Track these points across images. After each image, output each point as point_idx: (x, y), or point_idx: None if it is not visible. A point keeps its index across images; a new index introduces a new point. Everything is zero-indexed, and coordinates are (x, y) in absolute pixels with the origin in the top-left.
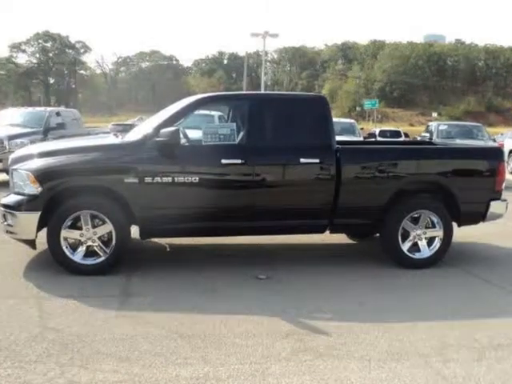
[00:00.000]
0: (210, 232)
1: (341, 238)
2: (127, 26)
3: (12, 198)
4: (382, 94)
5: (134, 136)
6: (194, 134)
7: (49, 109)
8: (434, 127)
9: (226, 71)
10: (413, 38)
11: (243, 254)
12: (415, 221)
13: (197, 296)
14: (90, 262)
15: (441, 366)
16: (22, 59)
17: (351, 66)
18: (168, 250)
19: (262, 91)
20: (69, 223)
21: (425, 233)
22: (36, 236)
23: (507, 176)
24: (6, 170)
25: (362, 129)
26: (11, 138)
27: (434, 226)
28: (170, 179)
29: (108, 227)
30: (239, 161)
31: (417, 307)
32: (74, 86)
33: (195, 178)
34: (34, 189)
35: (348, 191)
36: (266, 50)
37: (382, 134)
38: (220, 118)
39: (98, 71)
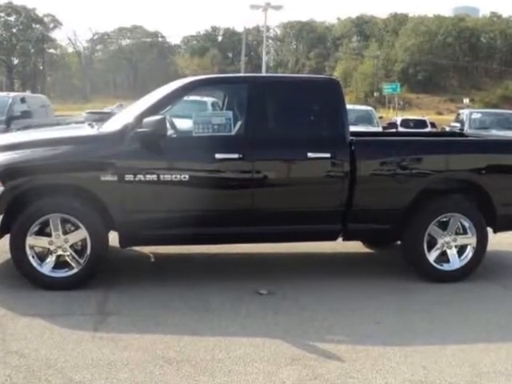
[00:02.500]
0: (201, 239)
1: (355, 247)
2: None
3: None
4: (404, 77)
5: (112, 126)
6: (184, 124)
7: (12, 94)
8: (465, 116)
9: (221, 50)
10: (440, 11)
11: (241, 265)
12: (443, 226)
13: (186, 315)
14: (60, 274)
15: None
16: None
17: (368, 43)
18: (152, 260)
19: (264, 73)
20: (35, 229)
21: (455, 240)
22: None
23: None
24: None
25: (380, 117)
26: None
27: (465, 232)
28: (154, 177)
29: (82, 234)
30: (236, 155)
31: (445, 328)
32: (41, 68)
33: (184, 176)
34: None
35: (364, 191)
36: (267, 24)
37: (405, 123)
38: (214, 104)
39: (70, 50)
